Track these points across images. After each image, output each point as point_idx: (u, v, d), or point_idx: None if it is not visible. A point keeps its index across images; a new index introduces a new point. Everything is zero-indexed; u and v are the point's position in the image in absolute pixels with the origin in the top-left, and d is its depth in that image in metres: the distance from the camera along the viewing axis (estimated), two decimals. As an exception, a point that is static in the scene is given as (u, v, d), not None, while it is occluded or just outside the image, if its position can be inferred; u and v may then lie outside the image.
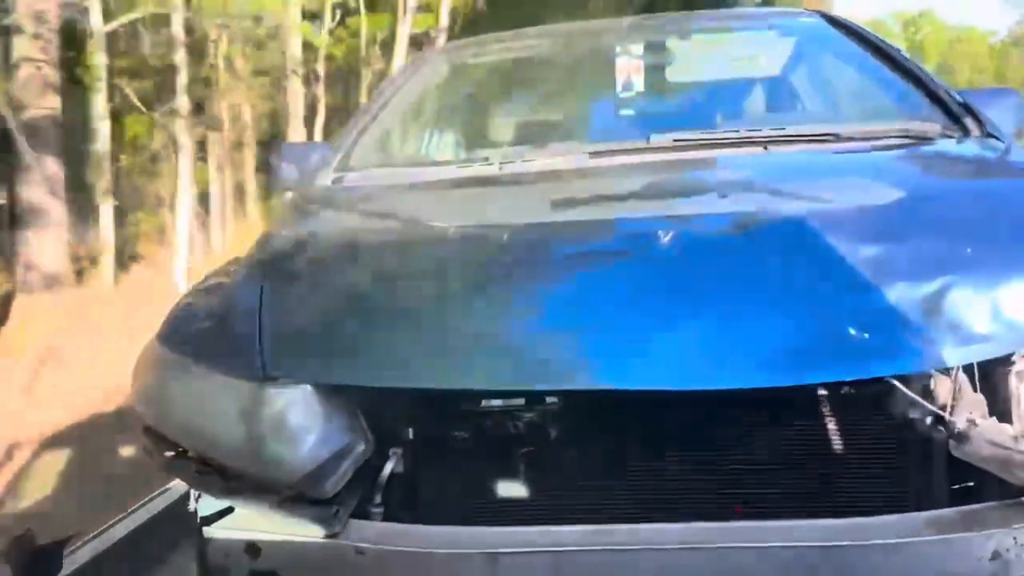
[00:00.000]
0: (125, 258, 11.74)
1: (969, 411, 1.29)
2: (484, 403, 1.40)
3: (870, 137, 1.91)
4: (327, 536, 1.28)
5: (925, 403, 1.29)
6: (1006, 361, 1.27)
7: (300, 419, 1.31)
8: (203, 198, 13.37)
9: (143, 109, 12.00)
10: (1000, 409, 1.30)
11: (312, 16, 14.17)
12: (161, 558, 2.46)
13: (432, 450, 1.41)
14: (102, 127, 10.95)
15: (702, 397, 1.20)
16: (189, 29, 11.70)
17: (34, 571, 1.43)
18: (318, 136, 13.71)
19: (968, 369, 1.31)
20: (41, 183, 9.17)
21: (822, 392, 1.33)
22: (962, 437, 1.26)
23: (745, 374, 1.17)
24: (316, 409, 1.31)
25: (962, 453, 1.25)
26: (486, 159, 2.10)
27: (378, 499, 1.38)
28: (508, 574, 1.20)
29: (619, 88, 2.59)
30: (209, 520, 1.39)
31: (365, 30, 15.11)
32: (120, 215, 11.56)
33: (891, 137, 1.90)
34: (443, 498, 1.40)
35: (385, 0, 15.20)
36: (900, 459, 1.32)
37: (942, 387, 1.30)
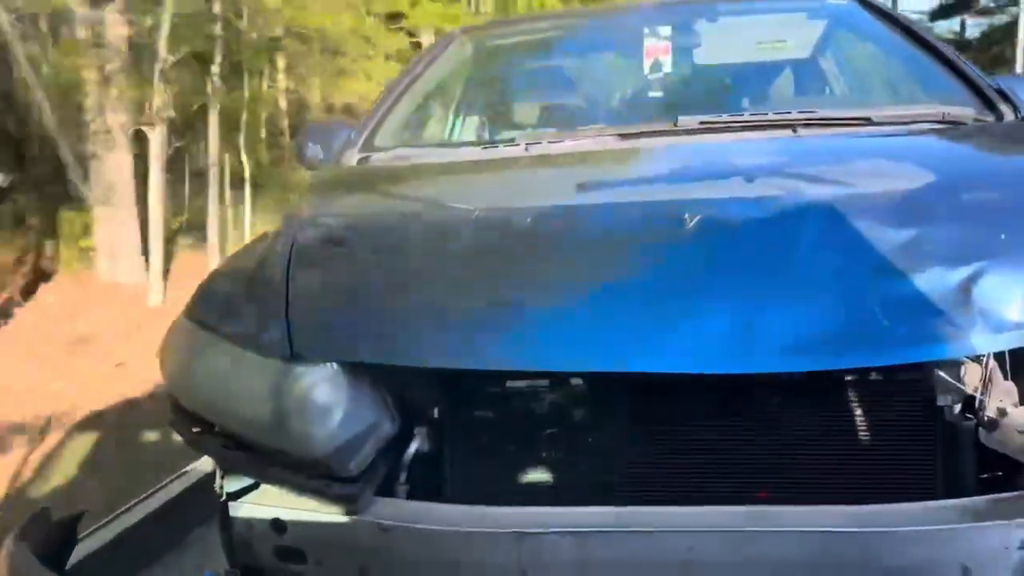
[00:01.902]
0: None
1: (1000, 399, 1.27)
2: (509, 383, 1.40)
3: (902, 121, 1.88)
4: (351, 513, 1.30)
5: (955, 390, 1.27)
6: None
7: (326, 397, 1.31)
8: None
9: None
10: None
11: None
12: (188, 534, 2.49)
13: (457, 429, 1.42)
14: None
15: (730, 381, 1.19)
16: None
17: (50, 548, 1.43)
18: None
19: (999, 356, 1.30)
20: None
21: (851, 378, 1.31)
22: (992, 425, 1.24)
23: (773, 358, 1.16)
24: (342, 387, 1.32)
25: (992, 441, 1.24)
26: (512, 140, 2.09)
27: (403, 478, 1.39)
28: (533, 554, 1.20)
29: (647, 70, 2.57)
30: (235, 496, 1.40)
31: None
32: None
33: (924, 121, 1.87)
34: (468, 477, 1.40)
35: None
36: (929, 446, 1.31)
37: (973, 374, 1.28)
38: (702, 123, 1.93)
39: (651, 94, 2.59)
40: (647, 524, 1.20)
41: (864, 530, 1.14)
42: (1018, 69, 13.22)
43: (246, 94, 12.43)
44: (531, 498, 1.36)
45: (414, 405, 1.41)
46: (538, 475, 1.39)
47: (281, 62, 14.26)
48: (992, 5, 18.90)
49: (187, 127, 11.70)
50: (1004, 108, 1.94)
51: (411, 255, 1.48)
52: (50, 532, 1.48)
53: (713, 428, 1.34)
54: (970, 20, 20.24)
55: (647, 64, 2.57)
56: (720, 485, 1.31)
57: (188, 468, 2.71)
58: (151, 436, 5.04)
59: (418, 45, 14.18)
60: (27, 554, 1.34)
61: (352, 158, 2.17)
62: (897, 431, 1.32)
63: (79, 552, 1.71)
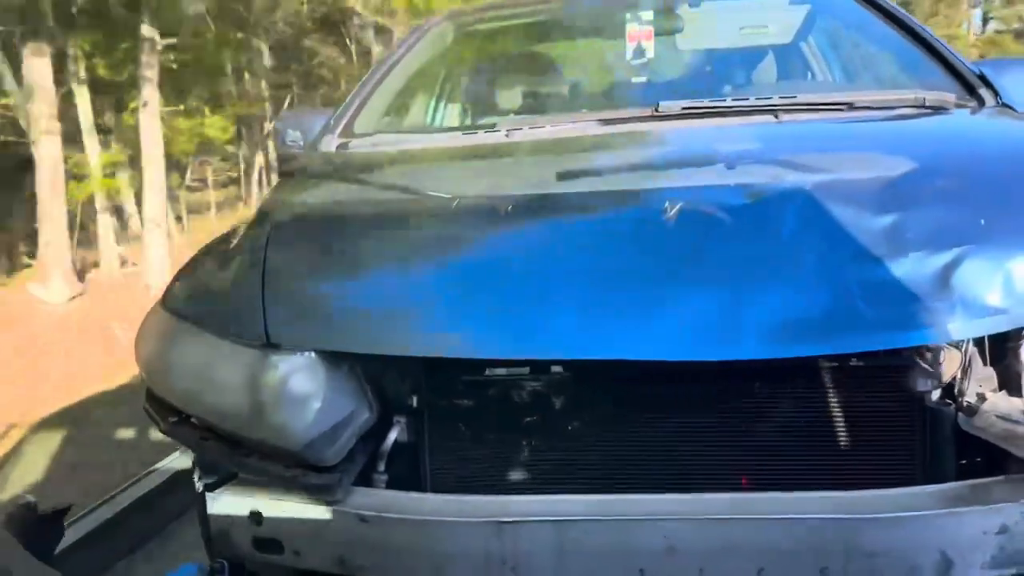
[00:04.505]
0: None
1: (979, 385, 1.28)
2: (489, 371, 1.39)
3: (883, 106, 1.88)
4: (329, 504, 1.28)
5: (935, 376, 1.27)
6: (1017, 335, 1.25)
7: (303, 386, 1.30)
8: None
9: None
10: (1010, 383, 1.28)
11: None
12: (167, 525, 2.48)
13: (437, 418, 1.40)
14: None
15: (709, 368, 1.19)
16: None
17: (36, 539, 1.42)
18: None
19: (979, 342, 1.30)
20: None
21: (831, 364, 1.31)
22: (971, 411, 1.25)
23: (755, 345, 1.16)
24: (320, 376, 1.30)
25: (971, 427, 1.24)
26: (493, 126, 2.07)
27: (382, 467, 1.38)
28: (512, 543, 1.20)
29: (629, 55, 2.55)
30: (212, 487, 1.39)
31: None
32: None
33: (905, 106, 1.87)
34: (447, 466, 1.39)
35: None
36: (909, 432, 1.31)
37: (952, 360, 1.28)
38: (684, 109, 1.92)
39: (633, 79, 2.57)
40: (628, 512, 1.20)
41: (843, 516, 1.15)
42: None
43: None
44: (511, 487, 1.36)
45: (393, 394, 1.39)
46: (518, 464, 1.38)
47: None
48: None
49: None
50: (985, 93, 1.95)
51: (390, 242, 1.47)
52: (36, 522, 1.47)
53: (693, 416, 1.34)
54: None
55: (630, 49, 2.56)
56: (701, 472, 1.31)
57: (163, 462, 2.70)
58: None
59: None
60: (12, 541, 1.33)
61: (331, 144, 2.14)
62: (877, 417, 1.31)
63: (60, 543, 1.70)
